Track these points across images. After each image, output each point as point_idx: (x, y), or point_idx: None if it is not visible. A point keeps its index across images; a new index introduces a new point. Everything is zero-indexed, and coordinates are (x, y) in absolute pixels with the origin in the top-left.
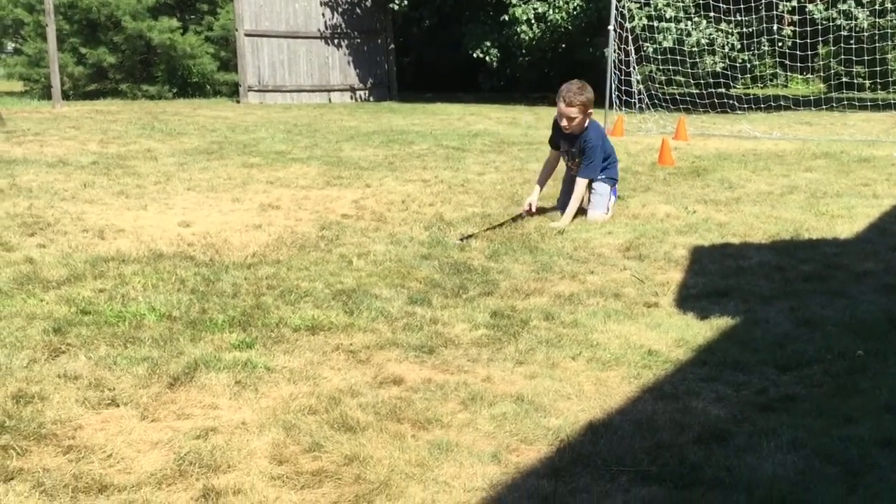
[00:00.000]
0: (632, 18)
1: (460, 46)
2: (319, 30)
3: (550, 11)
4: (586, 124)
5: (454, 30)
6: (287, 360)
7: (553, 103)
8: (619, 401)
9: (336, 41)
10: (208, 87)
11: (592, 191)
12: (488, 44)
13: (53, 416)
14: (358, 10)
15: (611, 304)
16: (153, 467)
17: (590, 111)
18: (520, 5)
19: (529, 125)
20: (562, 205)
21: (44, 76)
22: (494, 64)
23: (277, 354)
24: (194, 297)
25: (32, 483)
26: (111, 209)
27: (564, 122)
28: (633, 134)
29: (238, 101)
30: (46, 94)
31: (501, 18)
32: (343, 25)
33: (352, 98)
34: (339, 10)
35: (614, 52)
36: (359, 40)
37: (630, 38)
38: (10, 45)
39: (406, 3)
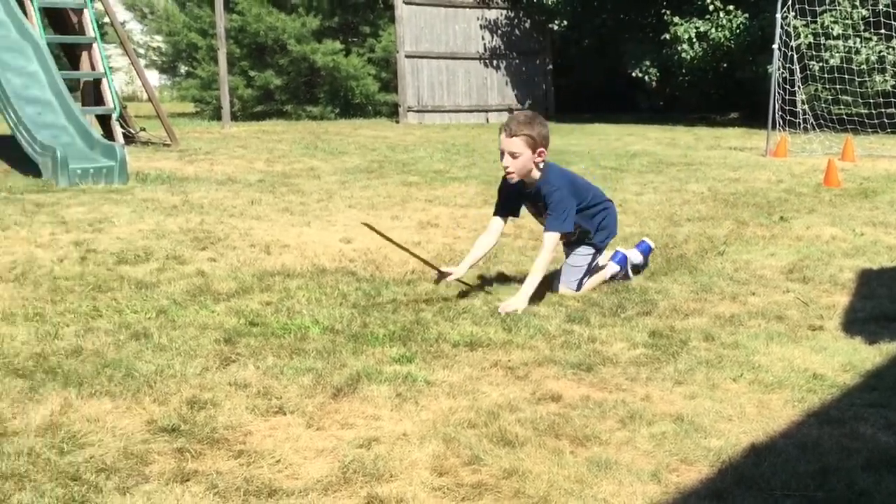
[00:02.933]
0: (797, 36)
1: (619, 66)
2: (478, 51)
3: (713, 30)
4: (540, 168)
5: (613, 49)
6: (446, 374)
7: (712, 123)
8: (783, 424)
9: (494, 62)
10: (369, 107)
11: (570, 256)
12: (648, 63)
13: (225, 422)
14: (517, 32)
15: (773, 326)
16: (319, 474)
17: (540, 150)
18: (681, 24)
19: (689, 145)
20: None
21: (214, 98)
22: (654, 83)
23: (437, 369)
24: (356, 311)
25: (206, 485)
26: (277, 225)
27: (505, 162)
28: (797, 154)
29: (397, 121)
30: (216, 115)
31: (662, 37)
32: (502, 47)
33: None
34: (499, 31)
35: (778, 70)
36: (517, 61)
37: (795, 56)
38: (183, 69)
39: (565, 23)
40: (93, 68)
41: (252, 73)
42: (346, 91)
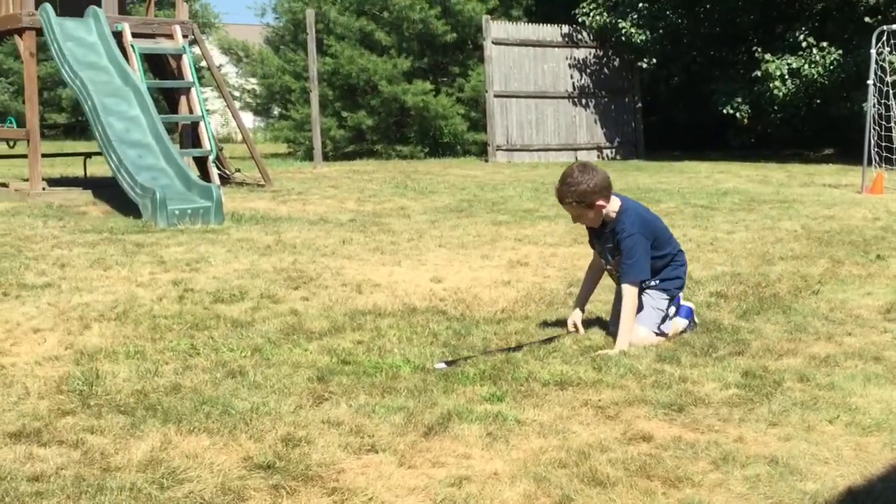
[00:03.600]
0: (893, 72)
1: (709, 103)
2: (567, 90)
3: (805, 66)
4: (615, 212)
5: (703, 87)
6: (537, 413)
7: (806, 160)
8: (881, 468)
9: (583, 100)
10: (458, 146)
11: (646, 298)
12: (739, 100)
13: (318, 459)
14: (605, 70)
15: (871, 367)
16: None
17: (599, 203)
18: (773, 61)
19: (781, 183)
20: (613, 324)
21: (307, 139)
22: (745, 121)
23: (527, 408)
24: (446, 350)
25: None
26: (368, 265)
27: (575, 221)
28: (894, 191)
29: (486, 160)
30: (309, 156)
31: (753, 74)
32: (590, 85)
33: (598, 156)
34: (588, 70)
35: (874, 106)
36: (606, 99)
37: (891, 91)
38: (277, 111)
39: (654, 61)
40: (191, 111)
41: (344, 114)
42: (435, 130)
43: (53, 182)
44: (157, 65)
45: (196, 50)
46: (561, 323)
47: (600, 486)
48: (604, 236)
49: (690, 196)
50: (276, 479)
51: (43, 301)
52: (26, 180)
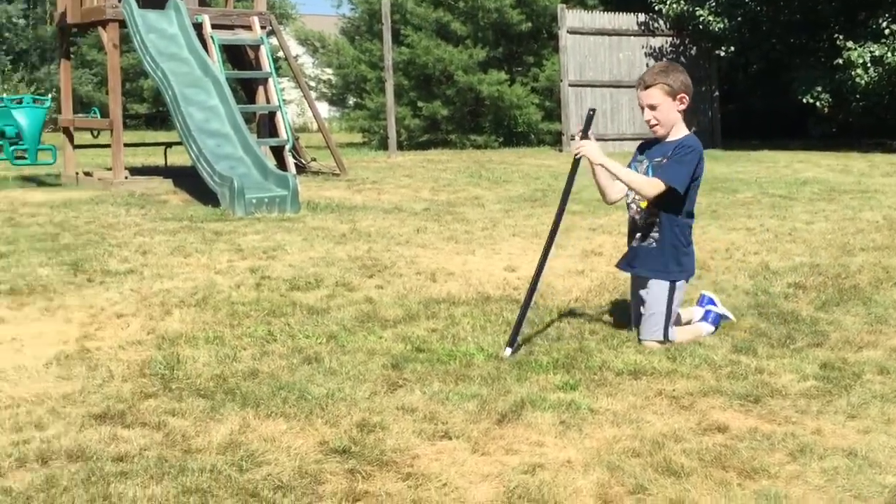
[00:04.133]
0: None
1: (788, 92)
2: None
3: (888, 54)
4: (683, 134)
5: (783, 75)
6: (610, 402)
7: (889, 149)
8: None
9: None
10: (532, 136)
11: (644, 295)
12: (819, 89)
13: (393, 445)
14: (682, 59)
15: None
16: (484, 498)
17: (681, 96)
18: (855, 49)
19: (863, 172)
20: (636, 322)
21: (382, 128)
22: (826, 109)
23: (601, 397)
24: (520, 338)
25: None
26: (442, 253)
27: (646, 116)
28: None
29: (560, 150)
30: (383, 145)
31: (834, 62)
32: None
33: None
34: (663, 58)
35: None
36: None
37: None
38: (352, 100)
39: (732, 49)
40: (268, 101)
41: (419, 104)
42: (509, 120)
43: (135, 171)
44: (236, 55)
45: (273, 41)
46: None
47: (674, 475)
48: (658, 149)
49: (768, 186)
50: (351, 463)
51: (126, 287)
52: (109, 169)
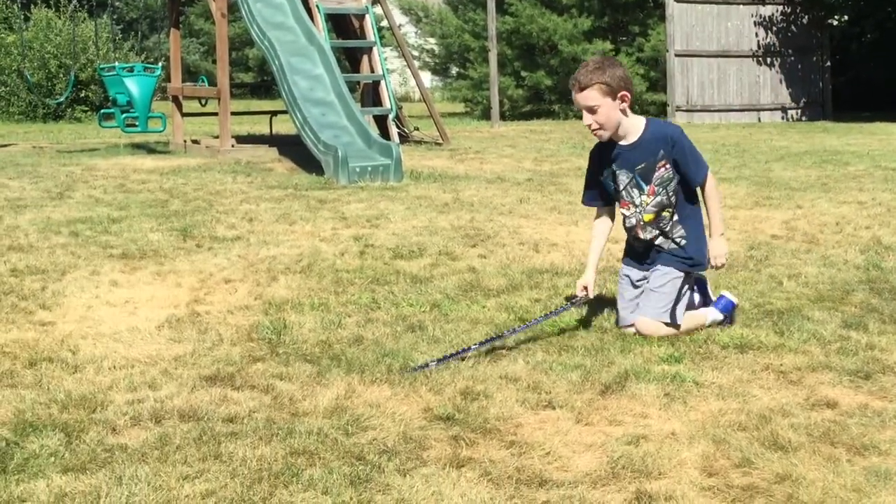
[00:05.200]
0: None
1: None
2: (751, 49)
3: None
4: (639, 128)
5: None
6: (715, 376)
7: None
8: None
9: (768, 59)
10: (637, 106)
11: (650, 277)
12: None
13: (496, 413)
14: (793, 28)
15: None
16: (588, 467)
17: (622, 94)
18: None
19: None
20: (624, 320)
21: (484, 98)
22: None
23: (706, 370)
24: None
25: (480, 472)
26: (545, 224)
27: (586, 120)
28: None
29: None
30: (485, 115)
31: None
32: (776, 44)
33: (783, 117)
34: (773, 28)
35: None
36: (792, 58)
37: None
38: (455, 70)
39: (846, 18)
40: (372, 71)
41: (523, 74)
42: None
43: (241, 139)
44: (340, 25)
45: (378, 10)
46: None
47: (781, 450)
48: (627, 156)
49: (881, 158)
50: (455, 430)
51: (233, 253)
52: (216, 137)
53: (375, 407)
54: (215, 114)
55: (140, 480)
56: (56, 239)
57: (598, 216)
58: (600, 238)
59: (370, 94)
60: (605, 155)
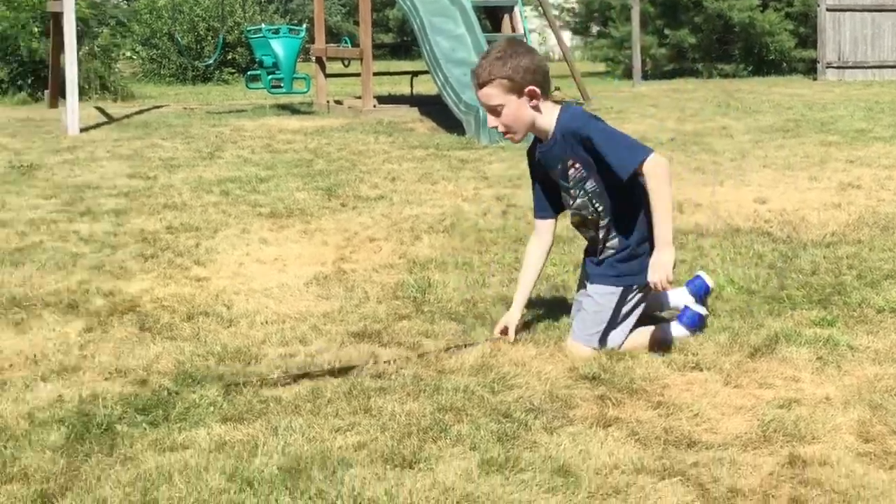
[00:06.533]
0: None
1: None
2: None
3: None
4: (542, 111)
5: None
6: (871, 340)
7: None
8: None
9: None
10: (784, 64)
11: (581, 297)
12: None
13: (642, 374)
14: None
15: None
16: (738, 430)
17: (529, 89)
18: None
19: None
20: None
21: (626, 57)
22: None
23: (860, 334)
24: (772, 272)
25: (627, 431)
26: (689, 184)
27: (491, 123)
28: None
29: (815, 79)
30: (626, 74)
31: None
32: None
33: None
34: None
35: None
36: None
37: None
38: (595, 29)
39: None
40: (513, 30)
41: (666, 32)
42: (760, 48)
43: (382, 100)
44: None
45: None
46: None
47: None
48: (546, 157)
49: None
50: (601, 390)
51: (377, 212)
52: (358, 98)
53: (521, 366)
54: (357, 74)
55: (294, 431)
56: (208, 198)
57: (534, 234)
58: (531, 269)
59: None
60: (533, 157)
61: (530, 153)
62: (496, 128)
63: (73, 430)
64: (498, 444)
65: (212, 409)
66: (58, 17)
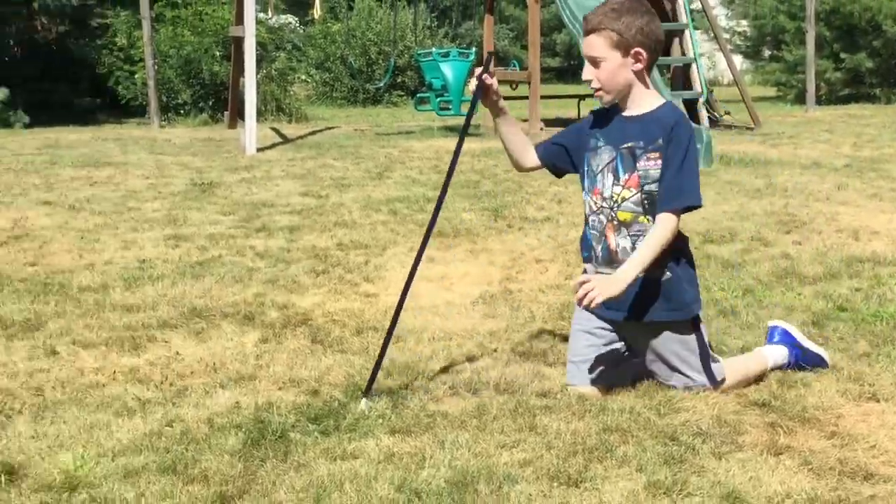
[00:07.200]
0: None
1: None
2: None
3: None
4: (646, 83)
5: None
6: None
7: None
8: None
9: None
10: None
11: (659, 344)
12: None
13: (815, 403)
14: None
15: None
16: None
17: (636, 51)
18: None
19: None
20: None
21: (799, 82)
22: None
23: None
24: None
25: (800, 461)
26: (865, 211)
27: (586, 75)
28: None
29: None
30: (799, 99)
31: None
32: None
33: None
34: None
35: None
36: None
37: None
38: (767, 53)
39: None
40: (683, 54)
41: (842, 56)
42: None
43: (548, 122)
44: (654, 7)
45: None
46: None
47: None
48: (621, 126)
49: None
50: (771, 417)
51: (543, 234)
52: (525, 121)
53: (687, 389)
54: (525, 97)
55: (461, 446)
56: (376, 216)
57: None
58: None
59: (681, 78)
60: (598, 121)
61: (588, 116)
62: (588, 82)
63: (250, 436)
64: (665, 467)
65: (380, 420)
66: (239, 42)
